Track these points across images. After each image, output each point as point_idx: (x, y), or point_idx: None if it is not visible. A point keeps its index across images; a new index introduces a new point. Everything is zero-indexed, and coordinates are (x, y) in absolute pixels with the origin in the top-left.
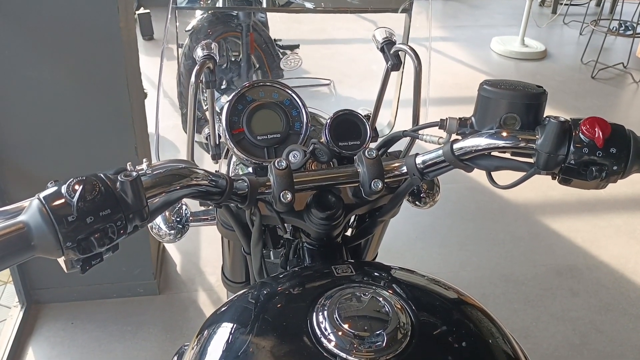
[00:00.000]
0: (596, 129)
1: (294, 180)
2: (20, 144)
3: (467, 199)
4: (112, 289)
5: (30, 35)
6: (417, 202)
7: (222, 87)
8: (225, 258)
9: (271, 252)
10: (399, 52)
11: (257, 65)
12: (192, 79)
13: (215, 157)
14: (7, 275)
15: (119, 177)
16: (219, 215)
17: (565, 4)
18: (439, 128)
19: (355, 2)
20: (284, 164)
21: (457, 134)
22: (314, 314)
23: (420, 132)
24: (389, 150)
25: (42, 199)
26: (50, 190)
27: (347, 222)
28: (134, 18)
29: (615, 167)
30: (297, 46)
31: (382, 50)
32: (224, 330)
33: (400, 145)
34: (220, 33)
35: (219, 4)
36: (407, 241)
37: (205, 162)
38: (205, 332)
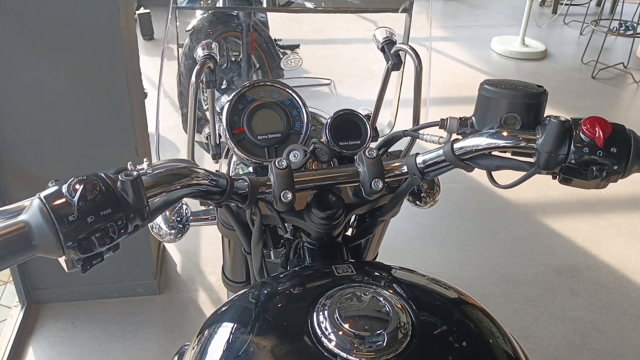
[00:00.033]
0: (597, 129)
1: (295, 179)
2: (20, 144)
3: (467, 199)
4: (112, 288)
5: (31, 35)
6: (417, 202)
7: (223, 86)
8: (226, 258)
9: (271, 251)
10: (400, 52)
11: (258, 65)
12: (193, 78)
13: (216, 157)
14: (7, 275)
15: (119, 177)
16: (220, 215)
17: (565, 4)
18: (440, 128)
19: (355, 2)
20: (284, 163)
21: (457, 134)
22: (315, 313)
23: (421, 131)
24: (389, 150)
25: (42, 199)
26: (51, 189)
27: (348, 221)
28: (134, 18)
29: (615, 167)
30: (297, 46)
31: (382, 50)
32: (225, 330)
33: (400, 145)
34: (221, 33)
35: (219, 4)
36: (407, 241)
37: (206, 162)
38: (206, 331)
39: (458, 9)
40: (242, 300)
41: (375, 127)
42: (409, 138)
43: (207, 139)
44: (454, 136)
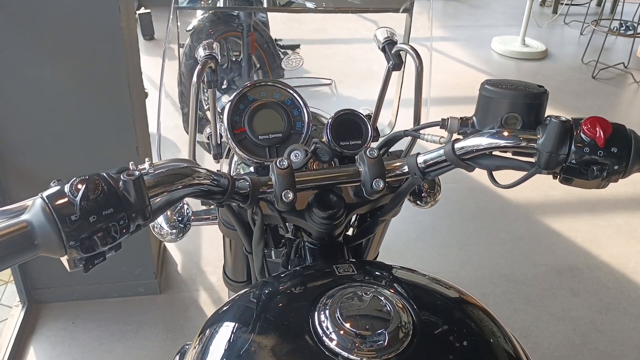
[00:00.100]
0: (597, 129)
1: (296, 179)
2: (21, 144)
3: (467, 199)
4: (113, 288)
5: (32, 35)
6: (418, 202)
7: (223, 86)
8: (227, 257)
9: (272, 251)
10: (400, 52)
11: (258, 65)
12: (194, 78)
13: (217, 157)
14: (8, 275)
15: (121, 177)
16: (221, 215)
17: (566, 4)
18: (440, 128)
19: (356, 2)
20: (285, 163)
21: (458, 134)
22: (316, 313)
23: (422, 131)
24: (390, 150)
25: (45, 198)
26: (53, 189)
27: (349, 221)
28: (134, 18)
29: (616, 167)
30: (298, 46)
31: (383, 50)
32: (226, 330)
33: (401, 145)
34: (222, 33)
35: (220, 4)
36: (407, 241)
37: (206, 162)
38: (207, 331)
39: (458, 9)
40: (244, 299)
41: (376, 127)
42: (409, 138)
43: (208, 138)
44: (455, 136)
